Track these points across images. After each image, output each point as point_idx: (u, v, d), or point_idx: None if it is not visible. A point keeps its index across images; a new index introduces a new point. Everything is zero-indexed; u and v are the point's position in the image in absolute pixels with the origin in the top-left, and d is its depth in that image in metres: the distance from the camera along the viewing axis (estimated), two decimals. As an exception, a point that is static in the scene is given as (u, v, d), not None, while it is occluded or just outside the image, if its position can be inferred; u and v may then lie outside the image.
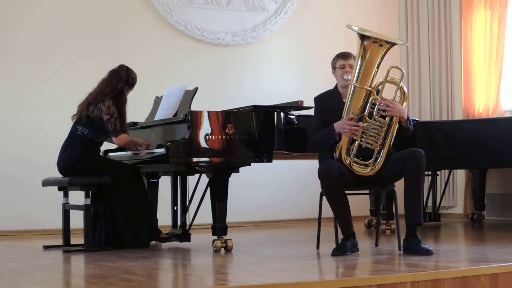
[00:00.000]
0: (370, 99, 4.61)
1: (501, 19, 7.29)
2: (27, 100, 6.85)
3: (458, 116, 7.68)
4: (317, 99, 4.97)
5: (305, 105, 5.19)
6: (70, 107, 5.48)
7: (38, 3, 6.96)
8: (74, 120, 5.40)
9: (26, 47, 6.88)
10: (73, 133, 5.38)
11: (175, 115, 5.35)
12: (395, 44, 4.63)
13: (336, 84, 4.94)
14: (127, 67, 5.45)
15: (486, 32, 7.40)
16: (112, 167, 5.36)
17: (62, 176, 5.38)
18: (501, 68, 7.29)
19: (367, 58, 4.60)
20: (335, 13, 7.97)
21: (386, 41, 4.59)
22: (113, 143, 5.40)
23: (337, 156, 4.70)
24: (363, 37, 4.60)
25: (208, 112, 4.94)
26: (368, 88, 4.62)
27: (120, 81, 5.37)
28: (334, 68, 4.94)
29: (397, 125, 4.63)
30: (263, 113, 5.09)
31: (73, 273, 4.37)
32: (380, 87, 4.63)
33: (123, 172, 5.33)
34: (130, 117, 5.60)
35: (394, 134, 4.63)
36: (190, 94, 5.30)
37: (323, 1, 8.04)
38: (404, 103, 4.68)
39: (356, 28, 4.61)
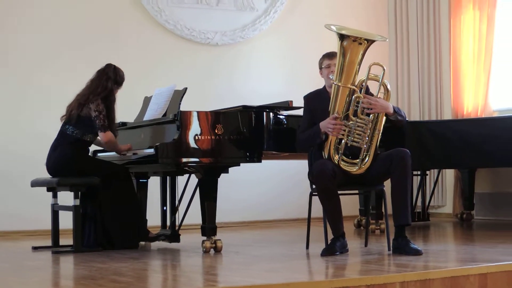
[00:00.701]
0: (353, 97, 4.61)
1: (489, 19, 7.30)
2: (25, 99, 6.82)
3: (447, 116, 7.69)
4: (306, 98, 4.98)
5: (294, 105, 5.18)
6: (61, 106, 5.46)
7: (39, 3, 6.92)
8: (63, 120, 5.38)
9: (26, 49, 6.86)
10: (62, 133, 5.36)
11: (164, 115, 5.33)
12: (374, 41, 4.59)
13: (325, 84, 4.95)
14: (114, 66, 5.43)
15: (474, 32, 7.41)
16: (101, 167, 5.34)
17: (51, 176, 5.36)
18: (490, 68, 7.30)
19: (347, 57, 4.57)
20: (324, 12, 7.95)
21: (365, 39, 4.57)
22: (99, 142, 5.37)
23: (326, 156, 4.69)
24: (342, 36, 4.58)
25: (198, 112, 4.93)
26: (351, 86, 4.60)
27: (109, 80, 5.36)
28: (320, 68, 4.95)
29: (383, 122, 4.61)
30: (252, 113, 5.08)
31: (62, 274, 4.35)
32: (363, 85, 4.61)
33: (112, 173, 5.31)
34: (120, 117, 5.58)
35: (381, 131, 4.62)
36: (179, 94, 5.28)
37: (312, 1, 8.04)
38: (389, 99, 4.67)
39: (334, 28, 4.56)
